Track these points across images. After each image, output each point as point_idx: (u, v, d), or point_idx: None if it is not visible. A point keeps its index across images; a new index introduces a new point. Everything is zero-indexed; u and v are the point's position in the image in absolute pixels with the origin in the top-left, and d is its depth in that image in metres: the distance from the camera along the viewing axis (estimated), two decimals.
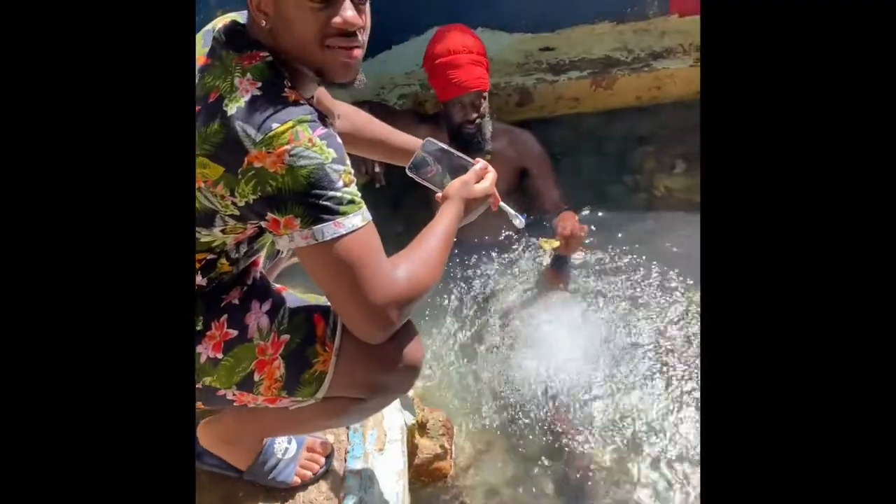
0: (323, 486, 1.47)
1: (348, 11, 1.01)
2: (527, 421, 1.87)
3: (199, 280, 1.15)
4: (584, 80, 2.68)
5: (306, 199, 0.97)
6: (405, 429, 1.63)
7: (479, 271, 2.27)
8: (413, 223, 2.18)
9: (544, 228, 2.26)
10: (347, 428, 1.55)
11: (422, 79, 2.64)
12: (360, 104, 2.30)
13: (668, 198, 2.49)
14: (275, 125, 0.96)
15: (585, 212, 2.42)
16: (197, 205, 1.03)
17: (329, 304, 1.17)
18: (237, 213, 1.03)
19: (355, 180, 1.02)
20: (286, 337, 1.15)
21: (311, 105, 1.02)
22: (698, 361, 1.95)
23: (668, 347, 2.01)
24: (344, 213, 0.99)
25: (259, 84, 1.00)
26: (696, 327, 2.04)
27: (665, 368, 1.95)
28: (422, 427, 1.72)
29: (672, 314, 2.10)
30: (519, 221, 1.43)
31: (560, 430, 1.83)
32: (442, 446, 1.73)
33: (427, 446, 1.72)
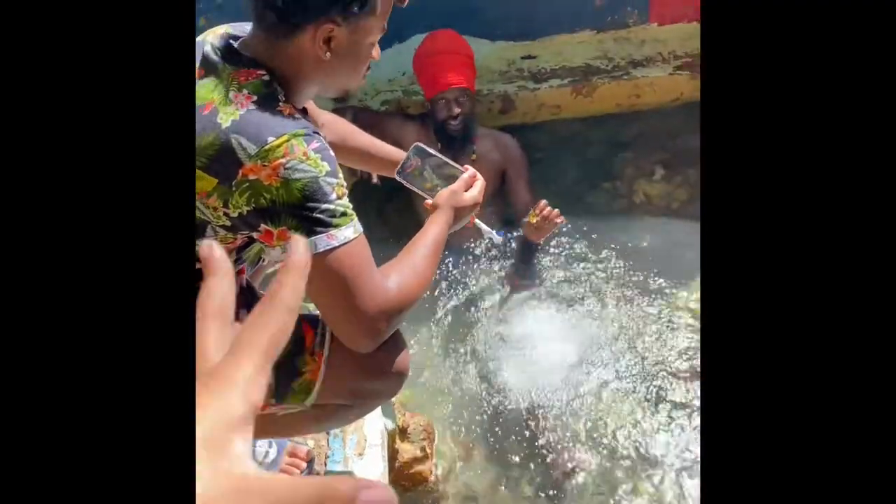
0: None
1: (377, 47, 1.11)
2: (507, 426, 1.88)
3: None
4: (564, 88, 2.71)
5: (300, 211, 0.98)
6: (385, 433, 1.63)
7: (460, 276, 2.29)
8: (398, 229, 2.20)
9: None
10: (327, 433, 1.55)
11: (404, 85, 2.66)
12: (343, 110, 2.32)
13: (646, 204, 2.52)
14: (270, 138, 0.97)
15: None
16: None
17: (316, 312, 1.18)
18: (228, 224, 1.03)
19: (347, 192, 1.04)
20: None
21: (305, 118, 1.03)
22: (680, 365, 1.97)
23: (650, 352, 2.03)
24: (337, 226, 1.00)
25: (254, 98, 1.00)
26: (676, 331, 2.06)
27: (647, 373, 1.97)
28: (402, 432, 1.72)
29: (651, 318, 2.12)
30: (495, 238, 1.44)
31: (540, 436, 1.85)
32: (423, 450, 1.74)
33: (408, 451, 1.72)
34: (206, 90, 1.02)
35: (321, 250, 0.99)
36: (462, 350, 2.08)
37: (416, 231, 1.20)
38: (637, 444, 1.81)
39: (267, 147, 0.96)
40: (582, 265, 2.31)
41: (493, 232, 1.43)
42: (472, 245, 2.36)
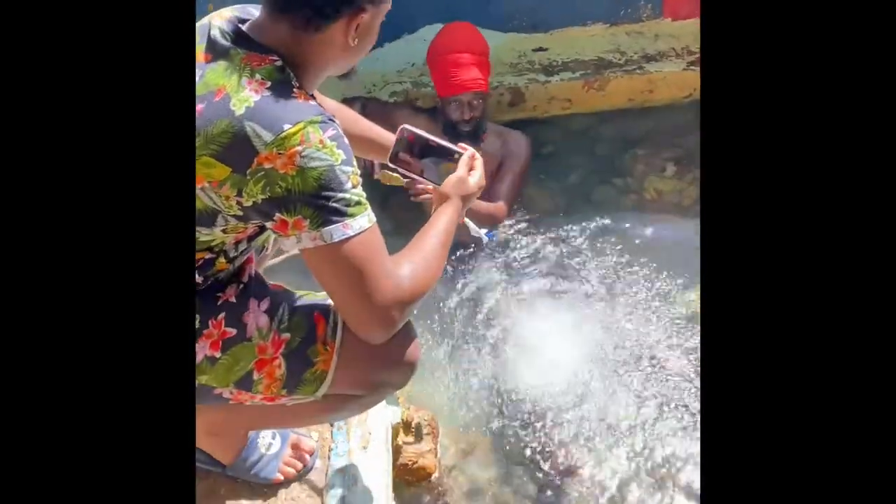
0: (306, 483, 1.46)
1: None
2: (512, 422, 1.87)
3: (196, 278, 1.15)
4: (576, 82, 2.69)
5: (316, 200, 0.97)
6: (390, 427, 1.63)
7: (466, 269, 2.28)
8: (403, 221, 2.18)
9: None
10: (331, 425, 1.54)
11: (413, 77, 2.65)
12: (352, 100, 2.31)
13: (657, 200, 2.50)
14: (286, 126, 0.96)
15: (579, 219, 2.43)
16: (199, 204, 1.03)
17: (328, 302, 1.18)
18: (241, 213, 1.02)
19: (361, 181, 1.03)
20: (286, 336, 1.15)
21: (319, 104, 1.03)
22: (687, 366, 1.96)
23: (659, 352, 2.01)
24: (352, 215, 1.00)
25: (268, 84, 0.99)
26: (685, 331, 2.05)
27: (655, 372, 1.96)
28: (407, 426, 1.72)
29: (662, 317, 2.11)
30: (483, 238, 1.43)
31: (543, 431, 1.84)
32: (427, 445, 1.74)
33: (412, 445, 1.72)
34: (216, 75, 1.01)
35: (336, 240, 0.99)
36: (468, 344, 2.07)
37: (420, 223, 1.19)
38: (641, 445, 1.80)
39: (283, 135, 0.95)
40: (590, 261, 2.29)
41: (483, 232, 1.41)
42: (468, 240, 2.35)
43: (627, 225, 2.39)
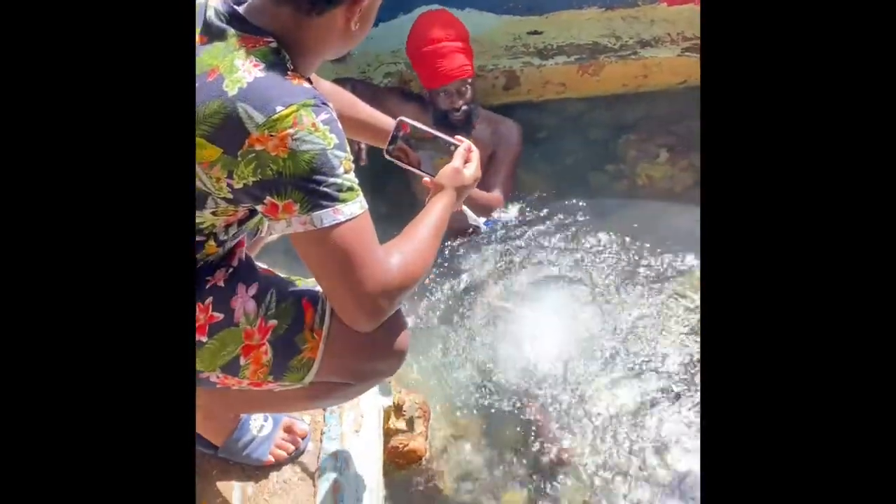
0: (298, 466, 1.47)
1: None
2: (502, 405, 1.88)
3: None
4: (570, 66, 2.68)
5: (307, 184, 0.96)
6: (381, 411, 1.63)
7: (457, 254, 2.28)
8: (396, 205, 2.18)
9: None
10: (324, 409, 1.55)
11: (407, 58, 2.63)
12: (343, 81, 2.29)
13: (649, 187, 2.50)
14: (279, 108, 0.95)
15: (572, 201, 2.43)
16: None
17: (316, 288, 1.17)
18: (231, 195, 1.02)
19: (353, 167, 1.02)
20: (274, 322, 1.15)
21: (313, 87, 1.02)
22: (674, 350, 1.97)
23: (647, 336, 2.03)
24: (343, 201, 0.99)
25: (262, 66, 0.98)
26: (678, 315, 2.06)
27: (642, 357, 1.97)
28: (398, 409, 1.73)
29: (651, 302, 2.12)
30: (481, 227, 1.43)
31: (534, 416, 1.85)
32: (418, 429, 1.75)
33: (403, 429, 1.73)
34: (211, 56, 1.00)
35: (326, 225, 0.98)
36: (460, 328, 2.08)
37: (412, 210, 1.19)
38: (632, 430, 1.82)
39: (275, 117, 0.94)
40: (582, 247, 2.30)
41: (481, 220, 1.42)
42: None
43: (619, 210, 2.40)
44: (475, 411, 1.88)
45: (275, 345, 1.15)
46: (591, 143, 2.61)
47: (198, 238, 1.12)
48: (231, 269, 1.19)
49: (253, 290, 1.17)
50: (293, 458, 1.47)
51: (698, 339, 2.00)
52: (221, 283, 1.17)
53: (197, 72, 1.00)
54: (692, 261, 2.21)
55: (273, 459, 1.45)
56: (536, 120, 2.54)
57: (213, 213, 1.08)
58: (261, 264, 1.26)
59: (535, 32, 2.71)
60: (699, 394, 1.88)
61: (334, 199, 0.98)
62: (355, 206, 1.01)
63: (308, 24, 1.03)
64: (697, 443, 1.78)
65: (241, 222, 1.15)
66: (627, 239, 2.29)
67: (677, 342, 2.01)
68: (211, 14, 1.04)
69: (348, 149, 1.01)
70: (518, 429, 1.83)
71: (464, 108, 2.23)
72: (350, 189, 1.00)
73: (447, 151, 1.27)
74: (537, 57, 2.69)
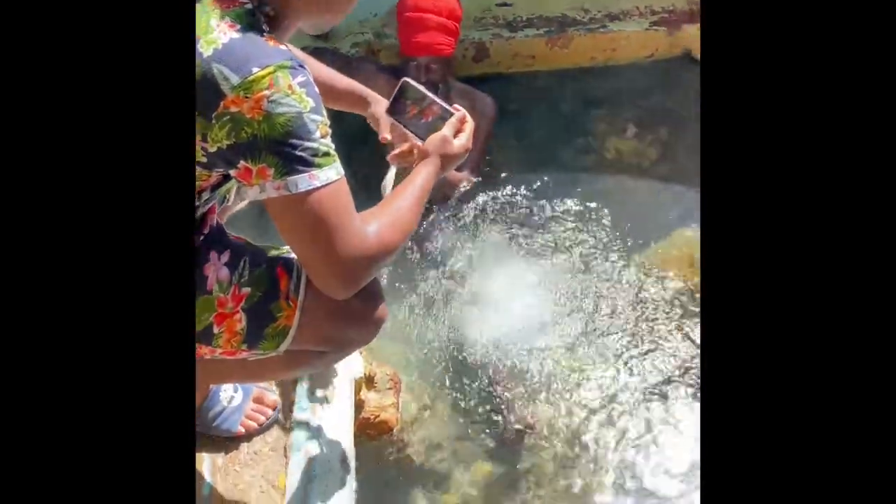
0: (268, 437, 1.47)
1: None
2: (470, 377, 1.90)
3: None
4: (539, 38, 2.68)
5: (282, 148, 0.94)
6: (353, 382, 1.64)
7: (429, 230, 2.28)
8: (365, 178, 2.17)
9: None
10: (294, 380, 1.55)
11: (375, 27, 2.60)
12: (316, 52, 2.26)
13: (618, 161, 2.52)
14: (255, 69, 0.92)
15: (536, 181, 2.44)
16: None
17: (291, 256, 1.16)
18: (205, 160, 0.99)
19: (330, 132, 1.00)
20: (247, 290, 1.13)
21: (290, 51, 1.00)
22: (638, 320, 2.01)
23: (612, 306, 2.06)
24: (319, 166, 0.97)
25: (238, 27, 0.96)
26: (643, 283, 2.10)
27: (608, 326, 2.01)
28: (369, 381, 1.73)
29: (616, 273, 2.15)
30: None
31: (502, 387, 1.88)
32: (389, 400, 1.76)
33: (374, 400, 1.74)
34: None
35: (301, 190, 0.96)
36: (431, 302, 2.09)
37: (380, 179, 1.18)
38: (598, 395, 1.86)
39: (251, 78, 0.92)
40: (550, 219, 2.31)
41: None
42: (444, 196, 2.34)
43: (587, 183, 2.41)
44: (444, 382, 1.90)
45: (249, 313, 1.13)
46: (560, 116, 2.61)
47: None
48: (203, 237, 1.17)
49: (225, 258, 1.15)
50: (264, 429, 1.46)
51: (668, 310, 2.05)
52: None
53: None
54: (658, 234, 2.25)
55: (244, 430, 1.44)
56: (506, 93, 2.52)
57: None
58: (231, 232, 1.24)
59: (505, 4, 2.71)
60: (659, 353, 1.94)
61: (310, 164, 0.96)
62: (332, 172, 0.99)
63: None
64: (662, 407, 1.83)
65: (213, 188, 1.13)
66: (595, 212, 2.32)
67: (640, 304, 2.05)
68: None
69: (325, 113, 0.99)
70: (486, 399, 1.86)
71: (434, 82, 2.19)
72: (326, 154, 0.98)
73: (441, 118, 1.24)
74: (506, 29, 2.69)
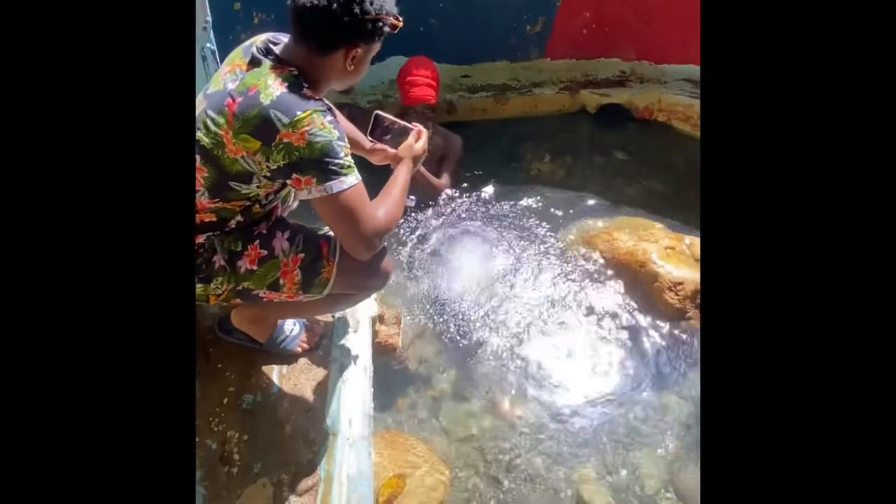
0: (315, 355, 1.47)
1: None
2: (446, 316, 1.91)
3: (240, 218, 1.12)
4: (489, 98, 2.68)
5: (320, 164, 0.95)
6: (370, 318, 1.64)
7: (417, 218, 2.27)
8: (371, 179, 2.16)
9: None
10: (333, 316, 1.55)
11: (383, 91, 2.58)
12: (340, 105, 2.23)
13: (539, 177, 2.53)
14: (298, 112, 0.93)
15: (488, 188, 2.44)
16: (239, 167, 1.00)
17: (330, 233, 1.17)
18: (269, 174, 1.00)
19: (350, 152, 1.01)
20: (301, 255, 1.14)
21: (322, 100, 1.00)
22: (553, 278, 2.03)
23: (535, 269, 2.08)
24: (346, 174, 0.98)
25: (286, 85, 0.96)
26: (552, 256, 2.11)
27: (532, 280, 2.03)
28: (381, 318, 1.74)
29: (542, 247, 2.17)
30: (409, 201, 1.43)
31: (466, 321, 1.89)
32: (394, 329, 1.76)
33: (384, 330, 1.74)
34: (252, 77, 0.97)
35: (335, 191, 0.97)
36: (420, 266, 2.09)
37: (380, 182, 1.18)
38: (539, 325, 1.87)
39: (296, 119, 0.93)
40: (496, 216, 2.32)
41: (411, 198, 1.42)
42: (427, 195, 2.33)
43: (519, 192, 2.42)
44: (430, 319, 1.90)
45: (303, 269, 1.14)
46: (502, 148, 2.62)
47: (247, 203, 1.10)
48: (271, 222, 1.17)
49: (287, 235, 1.15)
50: (313, 349, 1.47)
51: (570, 269, 2.07)
52: (265, 231, 1.15)
53: (242, 89, 0.97)
54: (569, 225, 2.27)
55: (300, 350, 1.44)
56: (467, 134, 2.50)
57: (258, 187, 1.06)
58: (291, 220, 1.24)
59: (466, 76, 2.70)
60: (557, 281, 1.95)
61: (339, 174, 0.97)
62: (353, 178, 1.00)
63: (318, 61, 1.01)
64: (584, 329, 1.85)
65: (276, 192, 1.13)
66: (525, 211, 2.33)
67: (562, 264, 2.08)
68: (254, 50, 1.01)
69: (347, 140, 1.00)
70: (455, 328, 1.87)
71: (427, 125, 2.18)
72: (349, 167, 0.99)
73: (405, 134, 1.26)
74: (467, 92, 2.68)
